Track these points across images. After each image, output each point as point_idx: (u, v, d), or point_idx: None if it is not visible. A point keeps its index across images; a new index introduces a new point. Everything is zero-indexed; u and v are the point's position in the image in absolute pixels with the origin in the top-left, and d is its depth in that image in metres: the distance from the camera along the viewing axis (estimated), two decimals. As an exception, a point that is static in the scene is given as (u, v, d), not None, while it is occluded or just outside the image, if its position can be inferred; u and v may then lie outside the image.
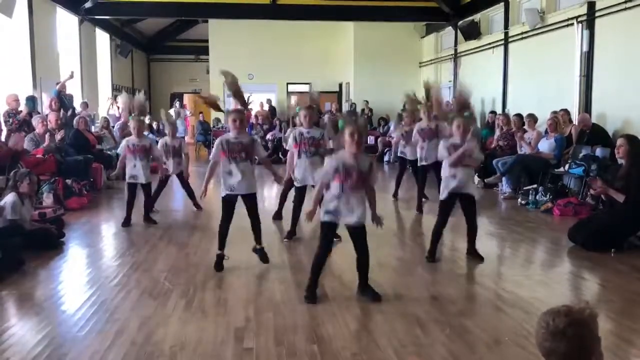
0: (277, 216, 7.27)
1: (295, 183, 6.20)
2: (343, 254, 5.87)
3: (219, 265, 5.11)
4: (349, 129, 4.08)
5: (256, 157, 5.18)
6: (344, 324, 3.84)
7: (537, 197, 8.11)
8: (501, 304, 4.33)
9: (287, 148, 6.62)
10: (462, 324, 3.86)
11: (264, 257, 5.31)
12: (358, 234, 4.27)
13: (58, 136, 8.76)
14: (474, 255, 5.38)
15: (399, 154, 8.87)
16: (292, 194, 6.45)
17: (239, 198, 5.12)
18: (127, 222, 7.00)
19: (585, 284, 5.01)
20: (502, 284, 4.91)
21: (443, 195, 5.28)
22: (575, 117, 9.59)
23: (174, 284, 4.69)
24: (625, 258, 5.43)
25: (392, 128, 15.57)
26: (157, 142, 16.22)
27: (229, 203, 5.11)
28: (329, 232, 4.28)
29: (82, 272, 5.25)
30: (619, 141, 5.91)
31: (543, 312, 1.88)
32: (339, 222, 4.21)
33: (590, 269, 5.28)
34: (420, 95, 8.79)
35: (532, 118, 9.70)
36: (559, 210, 7.51)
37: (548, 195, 8.00)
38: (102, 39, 17.11)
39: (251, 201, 5.20)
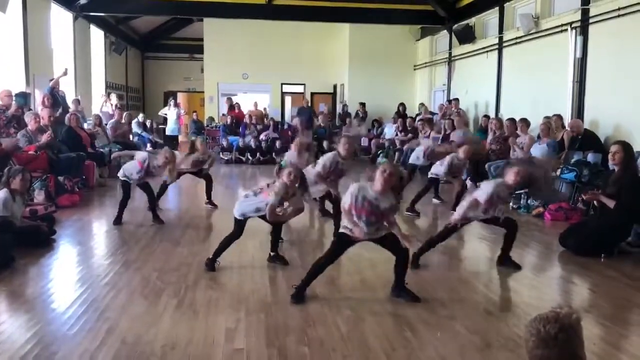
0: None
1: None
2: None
3: (210, 267, 5.11)
4: (382, 166, 4.08)
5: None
6: (335, 326, 3.84)
7: (529, 202, 8.15)
8: (492, 307, 4.36)
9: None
10: (452, 327, 3.87)
11: (283, 260, 5.33)
12: (385, 240, 4.27)
13: (46, 136, 8.65)
14: (506, 264, 5.32)
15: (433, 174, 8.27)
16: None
17: None
18: (118, 221, 6.96)
19: (575, 289, 5.04)
20: (493, 288, 4.94)
21: (455, 219, 5.10)
22: (567, 122, 9.65)
23: (165, 283, 4.68)
24: (615, 264, 5.47)
25: (386, 130, 15.61)
26: (149, 139, 16.18)
27: (242, 223, 5.12)
28: (342, 244, 4.27)
29: (72, 270, 5.22)
30: (614, 147, 5.90)
31: (531, 320, 1.88)
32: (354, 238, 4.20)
33: (580, 274, 5.31)
34: None
35: (525, 123, 9.74)
36: (550, 214, 7.55)
37: (539, 200, 8.04)
38: (97, 36, 17.04)
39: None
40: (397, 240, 4.25)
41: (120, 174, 6.94)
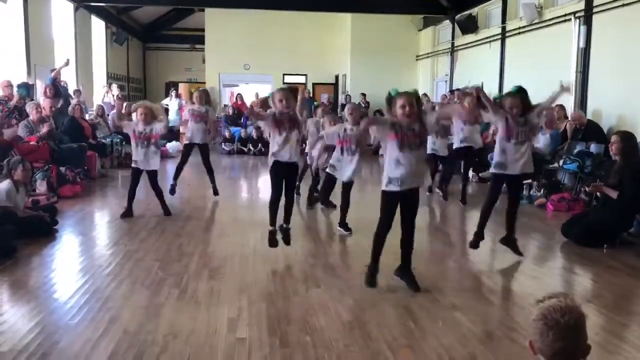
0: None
1: (329, 170, 6.31)
2: (339, 247, 5.90)
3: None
4: (400, 100, 4.08)
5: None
6: (337, 316, 3.84)
7: (531, 192, 8.14)
8: (493, 297, 4.36)
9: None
10: (454, 317, 3.87)
11: (286, 237, 5.28)
12: (411, 204, 4.27)
13: (45, 128, 8.63)
14: (510, 245, 5.34)
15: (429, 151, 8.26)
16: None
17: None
18: (128, 214, 6.76)
19: (577, 279, 5.04)
20: (495, 278, 4.93)
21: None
22: (570, 113, 9.61)
23: (167, 274, 4.68)
24: (617, 254, 5.47)
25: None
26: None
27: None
28: (390, 202, 4.28)
29: (75, 260, 5.23)
30: (613, 138, 5.94)
31: (542, 312, 1.81)
32: (401, 189, 4.19)
33: (582, 264, 5.31)
34: None
35: (528, 113, 9.69)
36: (552, 205, 7.54)
37: (542, 191, 8.03)
38: (98, 26, 16.99)
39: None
40: (415, 215, 4.31)
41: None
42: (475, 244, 5.29)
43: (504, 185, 5.31)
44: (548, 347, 1.78)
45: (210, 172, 8.10)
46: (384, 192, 4.28)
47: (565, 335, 1.76)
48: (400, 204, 4.29)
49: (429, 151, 8.08)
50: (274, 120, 5.02)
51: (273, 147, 5.08)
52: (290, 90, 5.31)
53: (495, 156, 5.18)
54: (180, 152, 8.92)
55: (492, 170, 5.29)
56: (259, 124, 5.01)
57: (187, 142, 8.15)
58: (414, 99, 4.11)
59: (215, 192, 8.07)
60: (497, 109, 5.11)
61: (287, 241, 5.26)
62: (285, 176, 5.15)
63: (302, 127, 5.33)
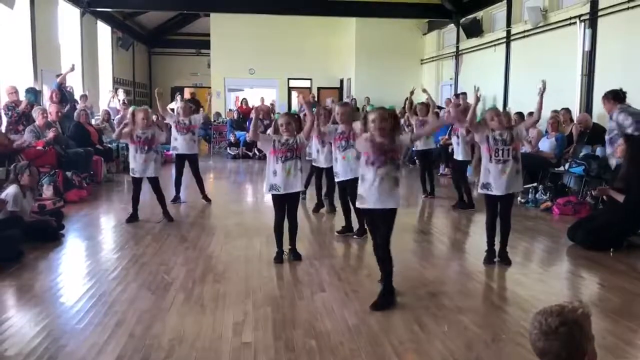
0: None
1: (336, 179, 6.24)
2: (344, 250, 5.89)
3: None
4: (371, 115, 4.07)
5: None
6: (342, 320, 3.84)
7: (537, 196, 8.12)
8: (499, 301, 4.35)
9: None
10: (460, 321, 3.86)
11: (295, 257, 5.28)
12: (379, 226, 4.17)
13: (51, 133, 8.66)
14: (501, 259, 5.26)
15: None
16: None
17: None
18: (133, 218, 6.83)
19: (584, 283, 5.01)
20: (501, 282, 4.92)
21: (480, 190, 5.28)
22: (576, 116, 9.59)
23: (172, 278, 4.70)
24: (624, 257, 5.44)
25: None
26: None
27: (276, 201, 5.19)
28: (367, 220, 4.31)
29: (81, 265, 5.25)
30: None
31: (536, 312, 1.86)
32: (367, 207, 4.14)
33: (588, 268, 5.28)
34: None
35: (533, 117, 9.68)
36: (558, 209, 7.51)
37: (548, 194, 8.01)
38: (104, 31, 17.08)
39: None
40: (386, 233, 4.17)
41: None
42: (488, 260, 5.24)
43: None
44: (533, 345, 1.84)
45: (199, 181, 8.28)
46: (360, 209, 4.32)
47: (545, 338, 1.79)
48: (371, 222, 4.28)
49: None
50: (272, 149, 5.02)
51: (269, 173, 5.07)
52: (296, 116, 5.32)
53: (481, 177, 5.19)
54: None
55: (479, 190, 5.26)
56: (258, 144, 5.01)
57: (177, 152, 8.19)
58: (388, 114, 4.07)
59: (207, 199, 8.21)
60: (478, 126, 5.18)
61: (297, 259, 5.26)
62: (285, 204, 5.18)
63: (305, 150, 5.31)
